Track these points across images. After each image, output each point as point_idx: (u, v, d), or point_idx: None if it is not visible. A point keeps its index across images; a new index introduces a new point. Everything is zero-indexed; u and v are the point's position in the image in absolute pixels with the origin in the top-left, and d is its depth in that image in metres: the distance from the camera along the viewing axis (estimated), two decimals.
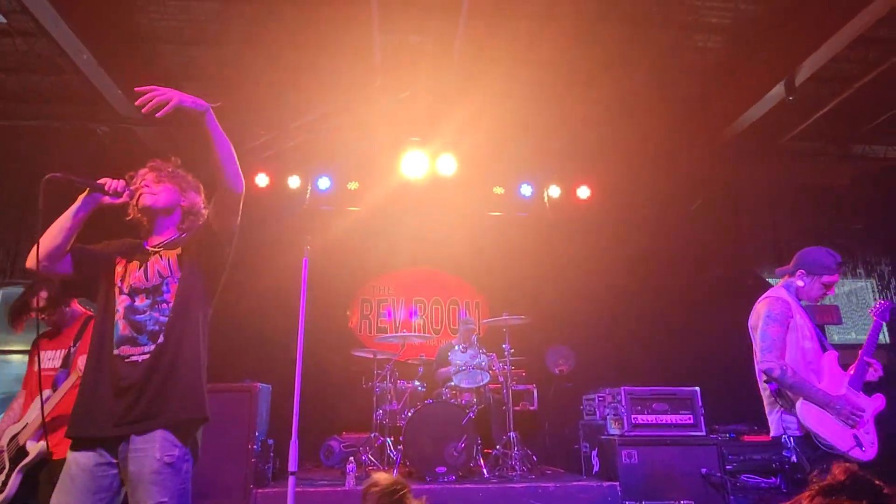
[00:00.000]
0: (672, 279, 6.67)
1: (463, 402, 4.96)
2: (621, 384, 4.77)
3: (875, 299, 7.03)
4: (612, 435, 4.58)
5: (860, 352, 2.79)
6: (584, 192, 6.84)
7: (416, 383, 5.31)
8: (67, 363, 2.83)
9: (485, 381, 5.01)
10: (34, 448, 2.69)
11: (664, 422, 4.56)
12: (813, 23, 4.96)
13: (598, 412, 5.05)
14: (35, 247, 1.92)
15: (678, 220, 6.91)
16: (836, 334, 6.73)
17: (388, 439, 5.00)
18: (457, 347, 5.11)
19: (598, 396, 5.04)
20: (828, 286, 2.86)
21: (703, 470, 4.34)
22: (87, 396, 1.89)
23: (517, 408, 5.41)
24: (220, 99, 6.33)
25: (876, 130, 6.71)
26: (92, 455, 1.83)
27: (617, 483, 4.20)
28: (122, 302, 1.99)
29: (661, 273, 6.70)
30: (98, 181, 2.00)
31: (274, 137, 6.34)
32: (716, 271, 6.74)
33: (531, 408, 5.69)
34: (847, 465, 1.08)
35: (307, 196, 6.61)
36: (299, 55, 5.56)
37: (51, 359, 2.90)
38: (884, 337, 7.18)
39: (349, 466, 4.28)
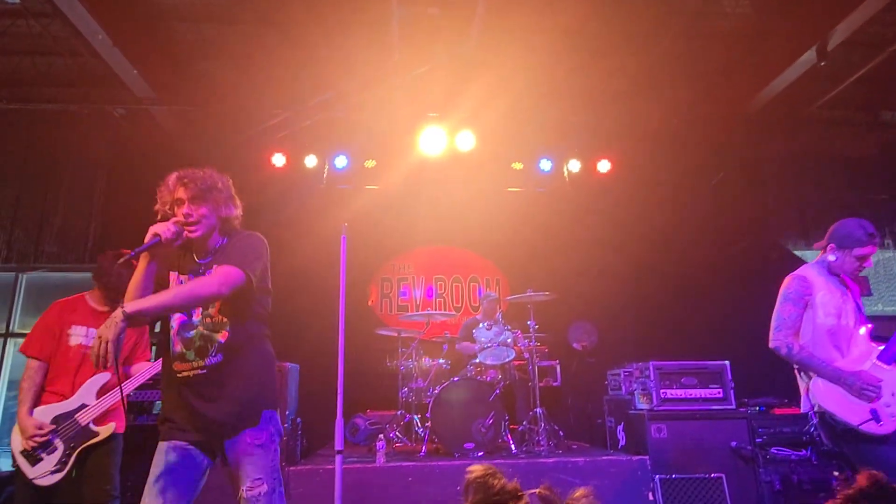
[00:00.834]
0: (695, 253, 6.59)
1: (488, 378, 4.96)
2: (645, 359, 4.74)
3: None
4: (641, 409, 4.56)
5: None
6: (604, 166, 6.73)
7: (441, 361, 5.32)
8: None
9: (510, 358, 5.00)
10: (106, 429, 2.83)
11: (693, 396, 4.53)
12: None
13: (623, 387, 5.04)
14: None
15: (701, 194, 6.81)
16: (865, 306, 6.63)
17: (416, 416, 5.02)
18: (482, 325, 5.10)
19: (624, 371, 5.02)
20: (862, 259, 2.77)
21: (733, 443, 4.32)
22: (168, 408, 2.07)
23: (541, 384, 5.41)
24: (236, 77, 6.28)
25: None
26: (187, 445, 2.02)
27: (647, 457, 4.19)
28: (177, 318, 2.08)
29: (684, 247, 6.62)
30: (152, 239, 2.02)
31: (290, 116, 6.28)
32: (741, 245, 6.64)
33: (554, 383, 5.69)
34: (872, 472, 1.03)
35: (324, 175, 6.57)
36: (315, 32, 5.46)
37: (84, 335, 2.92)
38: None
39: (379, 444, 4.30)
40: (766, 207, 6.95)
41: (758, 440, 4.37)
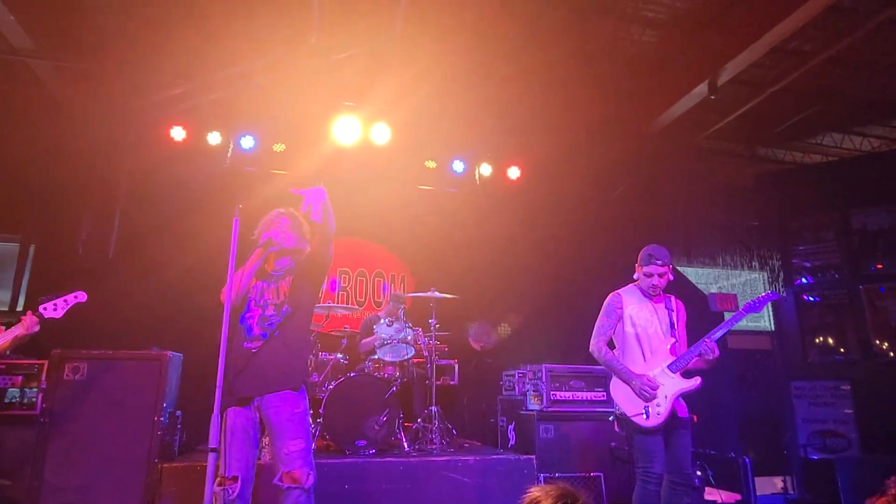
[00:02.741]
0: (591, 263, 6.94)
1: (386, 375, 4.91)
2: (539, 361, 4.93)
3: (765, 289, 7.72)
4: (532, 410, 4.73)
5: (705, 337, 3.24)
6: (514, 173, 6.92)
7: (339, 356, 5.19)
8: None
9: (409, 356, 4.99)
10: None
11: (580, 398, 4.77)
12: (739, 27, 5.25)
13: (517, 388, 5.20)
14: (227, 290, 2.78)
15: (601, 206, 7.17)
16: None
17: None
18: (383, 321, 5.04)
19: (519, 373, 5.18)
20: (648, 275, 3.40)
21: (613, 444, 4.59)
22: (231, 373, 2.74)
23: (438, 382, 5.44)
24: (135, 39, 5.79)
25: (779, 135, 7.30)
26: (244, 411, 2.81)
27: (534, 456, 4.35)
28: (255, 311, 2.94)
29: (581, 256, 6.95)
30: (264, 239, 3.09)
31: (194, 88, 5.85)
32: (631, 257, 7.08)
33: (452, 382, 5.75)
34: None
35: (228, 155, 6.20)
36: (230, 2, 5.14)
37: None
38: (769, 323, 7.93)
39: (265, 440, 4.12)
40: (656, 223, 7.48)
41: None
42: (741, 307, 3.36)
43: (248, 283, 2.97)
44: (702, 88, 5.72)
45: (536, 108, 6.57)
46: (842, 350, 7.30)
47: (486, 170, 6.86)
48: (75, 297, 2.74)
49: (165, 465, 3.82)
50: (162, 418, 3.91)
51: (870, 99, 6.63)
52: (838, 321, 7.30)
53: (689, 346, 3.34)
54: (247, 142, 6.18)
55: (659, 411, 3.16)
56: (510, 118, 6.69)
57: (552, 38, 5.68)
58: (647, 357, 3.32)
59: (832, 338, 7.35)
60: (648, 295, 3.42)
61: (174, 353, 4.19)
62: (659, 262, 3.39)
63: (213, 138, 6.10)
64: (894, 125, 7.22)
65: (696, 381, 3.23)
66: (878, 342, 7.04)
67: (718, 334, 3.24)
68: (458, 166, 6.79)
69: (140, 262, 5.76)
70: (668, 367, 3.25)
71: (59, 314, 2.68)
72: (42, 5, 5.07)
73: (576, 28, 5.57)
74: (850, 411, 6.35)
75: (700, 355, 3.22)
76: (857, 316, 7.12)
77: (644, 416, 3.17)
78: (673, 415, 3.20)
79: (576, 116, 6.66)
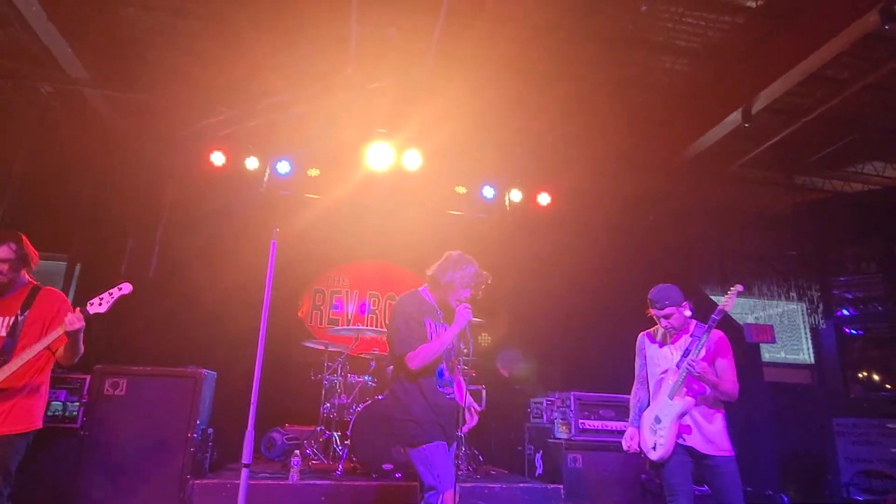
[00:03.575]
0: (622, 291, 6.85)
1: None
2: (569, 389, 4.87)
3: (803, 320, 7.48)
4: (560, 439, 4.67)
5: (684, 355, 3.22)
6: (544, 199, 6.93)
7: (367, 378, 5.24)
8: (15, 333, 2.65)
9: None
10: None
11: (609, 428, 4.68)
12: (773, 56, 5.22)
13: (545, 415, 5.14)
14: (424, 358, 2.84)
15: (632, 234, 7.12)
16: (767, 352, 7.11)
17: (335, 434, 4.91)
18: None
19: (547, 400, 5.12)
20: (656, 318, 3.37)
21: (643, 476, 4.48)
22: (434, 414, 2.90)
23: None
24: (181, 70, 6.11)
25: (817, 163, 7.14)
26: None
27: (561, 486, 4.28)
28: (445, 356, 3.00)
29: (613, 284, 6.88)
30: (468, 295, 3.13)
31: (235, 115, 6.11)
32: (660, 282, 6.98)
33: (479, 408, 5.71)
34: None
35: (265, 179, 6.41)
36: (273, 37, 5.39)
37: None
38: (808, 356, 7.66)
39: (294, 460, 4.17)
40: (690, 253, 7.37)
41: None
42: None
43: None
44: (735, 117, 5.67)
45: (568, 136, 6.61)
46: (887, 386, 6.98)
47: (516, 196, 6.90)
48: (119, 289, 2.68)
49: (196, 481, 3.90)
50: (195, 435, 4.01)
51: None
52: (883, 355, 7.00)
53: (736, 378, 3.25)
54: (283, 166, 6.39)
55: (662, 442, 3.15)
56: (541, 145, 6.75)
57: (584, 69, 5.74)
58: (654, 396, 3.34)
59: (876, 373, 7.04)
60: (669, 334, 3.37)
61: (209, 371, 4.30)
62: (657, 307, 3.31)
63: (251, 163, 6.33)
64: None
65: (687, 400, 3.16)
66: None
67: (694, 347, 3.17)
68: (489, 192, 6.85)
69: (179, 282, 5.98)
70: (667, 395, 3.21)
71: (104, 308, 2.65)
72: (97, 38, 5.40)
73: (607, 58, 5.62)
74: None
75: (689, 373, 3.13)
76: None
77: (653, 449, 3.19)
78: (691, 451, 3.12)
79: (607, 145, 6.67)
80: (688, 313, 3.38)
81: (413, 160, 6.31)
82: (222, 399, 4.84)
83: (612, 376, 5.98)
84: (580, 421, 4.66)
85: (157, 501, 3.84)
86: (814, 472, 6.45)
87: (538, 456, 4.98)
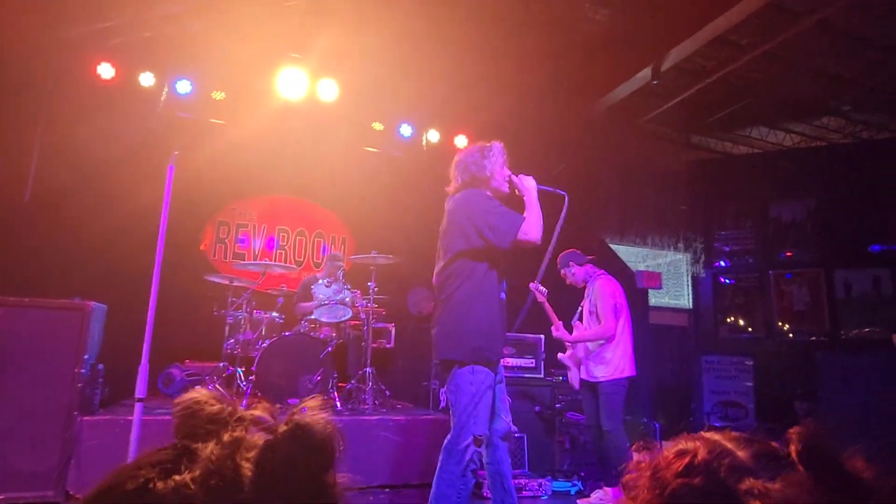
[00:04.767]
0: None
1: (322, 335, 4.92)
2: None
3: (688, 270, 8.22)
4: None
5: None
6: (461, 141, 6.92)
7: (275, 314, 5.14)
8: None
9: (346, 317, 5.00)
10: None
11: (510, 364, 4.96)
12: (685, 14, 5.43)
13: None
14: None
15: (542, 181, 7.32)
16: (653, 297, 7.76)
17: (240, 369, 4.81)
18: (321, 281, 5.01)
19: None
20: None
21: (537, 408, 4.84)
22: (501, 329, 2.71)
23: (374, 345, 5.50)
24: None
25: (712, 125, 7.67)
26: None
27: None
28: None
29: None
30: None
31: (126, 23, 5.45)
32: (567, 233, 7.33)
33: (388, 345, 5.83)
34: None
35: (163, 98, 5.85)
36: None
37: None
38: (688, 302, 8.47)
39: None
40: (594, 203, 7.75)
41: (557, 405, 4.95)
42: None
43: None
44: (646, 73, 5.91)
45: (488, 77, 6.56)
46: (749, 329, 7.94)
47: (433, 136, 6.84)
48: None
49: (85, 417, 3.70)
50: (83, 370, 3.76)
51: (795, 97, 7.07)
52: (748, 302, 7.91)
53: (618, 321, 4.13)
54: (183, 86, 5.85)
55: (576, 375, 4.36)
56: (460, 86, 6.65)
57: (507, 8, 5.66)
58: None
59: (742, 317, 7.97)
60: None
61: (98, 303, 4.01)
62: (559, 265, 4.32)
63: (146, 79, 5.73)
64: (815, 124, 7.74)
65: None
66: (780, 323, 7.70)
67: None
68: (406, 130, 6.73)
69: (65, 209, 5.43)
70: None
71: None
72: None
73: (533, 1, 5.57)
74: (750, 384, 6.95)
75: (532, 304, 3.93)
76: (765, 298, 7.74)
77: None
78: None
79: (525, 89, 6.71)
80: (573, 272, 4.26)
81: (329, 91, 6.02)
82: (116, 334, 4.56)
83: (516, 315, 6.31)
84: None
85: (41, 440, 3.61)
86: (683, 403, 7.29)
87: (442, 391, 5.20)
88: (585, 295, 4.28)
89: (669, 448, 0.66)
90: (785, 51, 6.06)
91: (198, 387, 0.82)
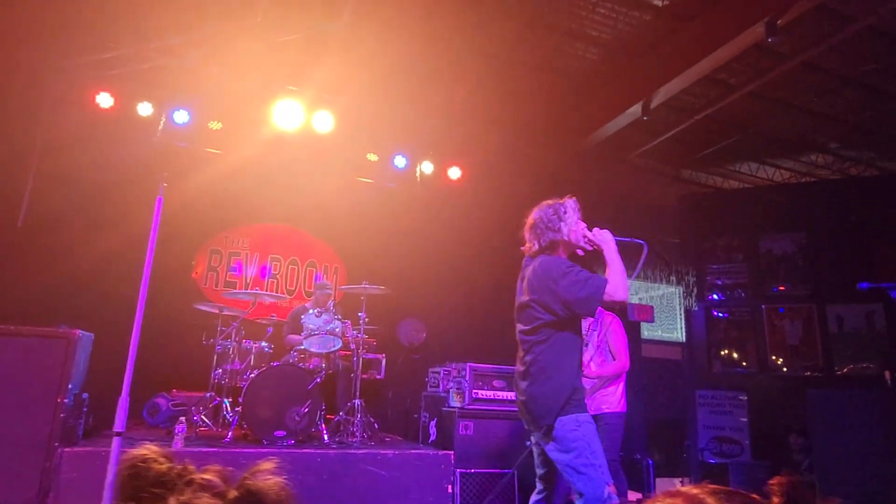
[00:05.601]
0: (519, 268, 7.15)
1: (311, 366, 4.87)
2: (466, 360, 5.04)
3: (680, 303, 8.22)
4: (453, 407, 4.83)
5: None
6: (454, 173, 7.01)
7: (264, 344, 5.09)
8: None
9: (336, 347, 4.96)
10: None
11: (501, 397, 4.91)
12: (673, 55, 5.58)
13: (441, 385, 5.29)
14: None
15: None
16: (646, 330, 7.76)
17: (227, 400, 4.75)
18: (311, 311, 4.99)
19: (444, 370, 5.27)
20: None
21: (528, 443, 4.76)
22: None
23: (364, 376, 5.44)
24: None
25: (702, 160, 7.79)
26: None
27: (451, 452, 4.45)
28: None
29: (512, 262, 7.10)
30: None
31: (127, 54, 5.56)
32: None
33: (378, 376, 5.78)
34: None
35: (160, 128, 5.92)
36: None
37: None
38: (681, 335, 8.45)
39: (178, 427, 3.99)
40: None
41: None
42: None
43: None
44: (636, 109, 6.02)
45: (480, 112, 6.69)
46: (743, 363, 7.90)
47: (427, 168, 6.91)
48: None
49: (66, 449, 3.62)
50: (66, 400, 3.70)
51: (783, 134, 7.21)
52: (741, 336, 7.89)
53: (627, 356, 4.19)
54: (181, 116, 5.93)
55: None
56: (454, 119, 6.78)
57: (500, 46, 5.80)
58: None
59: (735, 351, 7.94)
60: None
61: (84, 332, 3.98)
62: None
63: (144, 109, 5.82)
64: (802, 160, 7.87)
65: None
66: (773, 358, 7.66)
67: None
68: (400, 162, 6.80)
69: (57, 235, 5.43)
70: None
71: None
72: None
73: (524, 38, 5.71)
74: (745, 419, 6.88)
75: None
76: (757, 333, 7.72)
77: None
78: None
79: (517, 125, 6.84)
80: None
81: (324, 122, 6.11)
82: (104, 363, 4.49)
83: (509, 349, 6.27)
84: (474, 391, 4.85)
85: (20, 470, 3.53)
86: (678, 439, 7.21)
87: (432, 424, 5.13)
88: (590, 327, 4.23)
89: None
90: (772, 90, 6.21)
91: (146, 443, 0.79)
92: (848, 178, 7.88)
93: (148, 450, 0.61)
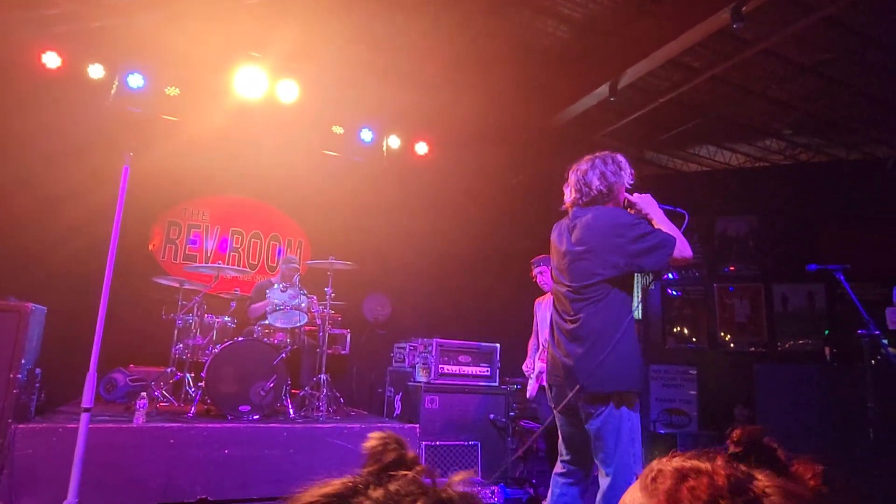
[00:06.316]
0: (485, 244, 7.22)
1: (276, 341, 4.82)
2: (431, 336, 5.09)
3: (638, 282, 8.48)
4: (419, 382, 4.89)
5: None
6: (422, 148, 6.95)
7: (227, 319, 5.00)
8: None
9: (302, 323, 4.92)
10: None
11: (466, 372, 5.00)
12: (641, 37, 5.63)
13: (407, 360, 5.33)
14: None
15: (499, 192, 7.44)
16: None
17: (189, 375, 4.66)
18: (276, 286, 4.92)
19: (410, 345, 5.31)
20: (532, 276, 4.55)
21: (491, 416, 4.89)
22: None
23: (329, 351, 5.43)
24: None
25: (665, 142, 7.95)
26: None
27: (417, 425, 4.52)
28: None
29: (478, 238, 7.20)
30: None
31: (75, 10, 5.21)
32: (524, 243, 7.45)
33: (343, 352, 5.78)
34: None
35: (113, 92, 5.62)
36: None
37: None
38: (638, 313, 8.73)
39: (140, 402, 3.90)
40: (548, 215, 7.88)
41: (511, 413, 5.01)
42: None
43: None
44: (603, 89, 6.07)
45: (448, 86, 6.61)
46: (694, 339, 8.26)
47: (394, 142, 6.83)
48: None
49: (20, 426, 3.50)
50: (19, 375, 3.57)
51: (742, 119, 7.42)
52: (694, 314, 8.23)
53: None
54: (135, 80, 5.65)
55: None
56: (422, 93, 6.68)
57: (471, 17, 5.72)
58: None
59: (687, 328, 8.28)
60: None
61: (37, 305, 3.81)
62: (533, 266, 4.48)
63: (96, 71, 5.51)
64: (758, 145, 8.14)
65: None
66: (722, 334, 8.04)
67: None
68: (367, 135, 6.70)
69: (4, 206, 5.14)
70: None
71: None
72: None
73: (496, 11, 5.64)
74: (693, 392, 7.22)
75: None
76: (709, 310, 8.07)
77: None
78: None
79: (486, 100, 6.80)
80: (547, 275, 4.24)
81: (289, 91, 5.93)
82: (54, 337, 4.35)
83: (474, 324, 6.36)
84: (440, 366, 4.91)
85: None
86: None
87: (398, 398, 5.18)
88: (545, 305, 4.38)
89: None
90: (733, 74, 6.36)
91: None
92: (798, 164, 8.21)
93: (387, 436, 0.73)
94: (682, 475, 0.67)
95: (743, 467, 0.68)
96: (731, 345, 8.02)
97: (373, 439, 0.73)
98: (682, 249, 2.39)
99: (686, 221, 2.57)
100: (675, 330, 8.36)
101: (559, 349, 2.50)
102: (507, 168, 7.49)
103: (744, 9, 4.85)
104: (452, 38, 5.95)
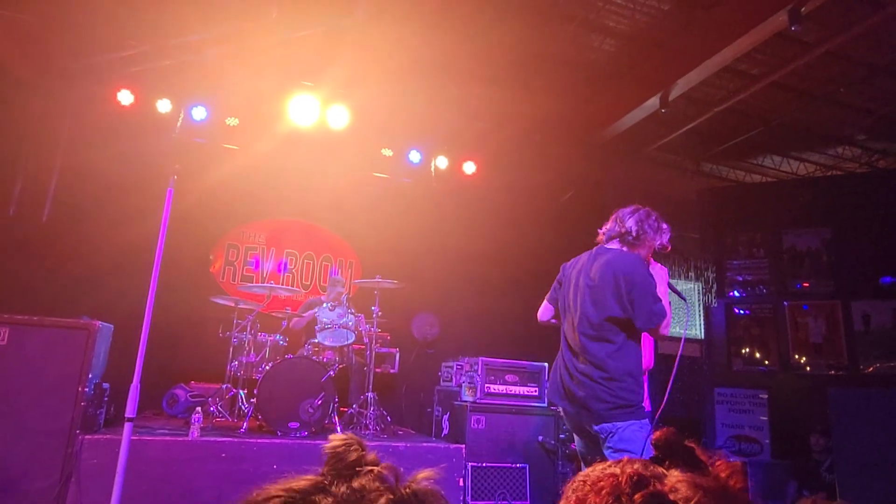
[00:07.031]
0: (536, 262, 7.10)
1: (324, 359, 4.92)
2: (479, 355, 5.04)
3: (699, 300, 8.08)
4: (465, 401, 4.84)
5: None
6: (469, 168, 6.99)
7: (278, 337, 5.16)
8: None
9: (349, 341, 5.00)
10: None
11: (513, 392, 4.90)
12: (692, 45, 5.46)
13: (454, 379, 5.30)
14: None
15: (549, 209, 7.34)
16: None
17: (242, 391, 4.83)
18: (325, 304, 5.04)
19: (457, 364, 5.28)
20: None
21: (540, 437, 4.75)
22: None
23: (378, 370, 5.49)
24: None
25: (723, 153, 7.63)
26: None
27: (463, 446, 4.46)
28: None
29: (527, 255, 7.10)
30: None
31: (146, 52, 5.65)
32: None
33: (391, 371, 5.82)
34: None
35: (178, 124, 6.02)
36: None
37: None
38: (700, 332, 8.31)
39: (195, 416, 4.07)
40: (596, 233, 7.70)
41: (561, 436, 4.85)
42: None
43: None
44: (654, 101, 5.92)
45: (495, 105, 6.64)
46: (765, 362, 7.74)
47: (441, 162, 6.91)
48: None
49: (87, 436, 3.73)
50: (87, 389, 3.81)
51: (808, 126, 7.02)
52: (763, 334, 7.72)
53: None
54: (199, 112, 6.02)
55: None
56: (469, 113, 6.75)
57: (516, 38, 5.75)
58: None
59: (756, 349, 7.77)
60: None
61: (104, 323, 4.08)
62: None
63: (163, 106, 5.92)
64: (828, 153, 7.66)
65: None
66: (796, 356, 7.48)
67: None
68: (415, 157, 6.81)
69: (78, 229, 5.58)
70: None
71: None
72: None
73: (540, 30, 5.65)
74: (764, 418, 6.75)
75: None
76: (779, 330, 7.55)
77: None
78: None
79: (533, 118, 6.78)
80: None
81: (339, 117, 6.14)
82: (125, 354, 4.61)
83: (521, 343, 6.25)
84: (486, 385, 4.85)
85: (43, 458, 3.64)
86: (695, 436, 7.09)
87: (445, 417, 5.15)
88: None
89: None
90: (795, 80, 6.05)
91: (344, 431, 0.93)
92: (876, 171, 7.64)
93: (348, 437, 0.74)
94: (592, 479, 0.73)
95: (660, 469, 0.68)
96: (807, 367, 7.45)
97: (335, 440, 0.74)
98: (666, 326, 2.56)
99: (687, 309, 3.08)
100: (742, 351, 7.87)
101: (571, 377, 2.69)
102: (555, 185, 7.39)
103: (802, 10, 4.62)
104: (497, 61, 6.00)
